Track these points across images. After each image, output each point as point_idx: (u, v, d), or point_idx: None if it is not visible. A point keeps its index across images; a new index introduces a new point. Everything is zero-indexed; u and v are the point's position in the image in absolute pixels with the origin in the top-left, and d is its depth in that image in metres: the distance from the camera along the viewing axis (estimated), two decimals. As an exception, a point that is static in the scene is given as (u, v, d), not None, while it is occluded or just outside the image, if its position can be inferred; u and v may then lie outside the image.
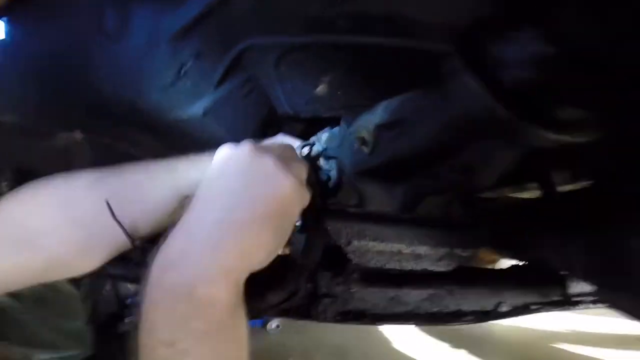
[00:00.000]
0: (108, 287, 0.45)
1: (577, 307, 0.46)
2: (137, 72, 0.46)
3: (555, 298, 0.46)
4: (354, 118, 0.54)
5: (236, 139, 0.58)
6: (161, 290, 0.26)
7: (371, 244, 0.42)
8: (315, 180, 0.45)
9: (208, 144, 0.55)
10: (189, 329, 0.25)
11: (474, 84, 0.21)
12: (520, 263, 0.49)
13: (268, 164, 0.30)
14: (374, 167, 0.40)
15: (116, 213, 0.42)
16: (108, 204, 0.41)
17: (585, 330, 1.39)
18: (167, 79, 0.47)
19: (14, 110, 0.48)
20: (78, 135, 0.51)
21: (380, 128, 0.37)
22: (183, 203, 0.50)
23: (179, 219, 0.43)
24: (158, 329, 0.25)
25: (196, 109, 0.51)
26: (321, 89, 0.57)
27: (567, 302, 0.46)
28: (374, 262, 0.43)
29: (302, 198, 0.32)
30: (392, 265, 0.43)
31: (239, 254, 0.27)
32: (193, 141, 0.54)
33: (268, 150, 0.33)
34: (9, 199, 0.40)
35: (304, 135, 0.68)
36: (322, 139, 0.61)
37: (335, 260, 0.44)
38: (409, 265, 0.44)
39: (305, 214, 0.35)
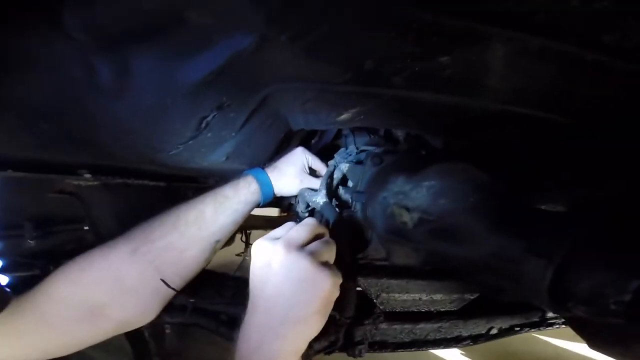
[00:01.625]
0: (168, 330, 0.51)
1: (550, 328, 0.57)
2: (150, 131, 0.40)
3: (535, 320, 0.57)
4: (380, 159, 0.53)
5: (256, 165, 0.56)
6: None
7: (397, 295, 0.48)
8: (345, 239, 0.47)
9: (229, 177, 0.53)
10: None
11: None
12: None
13: (306, 269, 0.35)
14: (407, 244, 0.42)
15: (160, 276, 0.44)
16: (164, 281, 0.43)
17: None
18: (185, 134, 0.42)
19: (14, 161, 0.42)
20: (87, 177, 0.47)
21: (425, 222, 0.38)
22: (215, 248, 0.51)
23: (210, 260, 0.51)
24: None
25: (217, 156, 0.48)
26: (344, 117, 0.55)
27: (543, 324, 0.57)
28: (398, 308, 0.49)
29: (338, 284, 0.37)
30: (412, 308, 0.50)
31: (301, 339, 0.35)
32: (214, 176, 0.52)
33: (301, 250, 0.36)
34: (57, 281, 0.41)
35: (308, 135, 0.67)
36: (342, 167, 0.60)
37: (365, 306, 0.50)
38: (426, 308, 0.51)
39: (342, 273, 0.39)
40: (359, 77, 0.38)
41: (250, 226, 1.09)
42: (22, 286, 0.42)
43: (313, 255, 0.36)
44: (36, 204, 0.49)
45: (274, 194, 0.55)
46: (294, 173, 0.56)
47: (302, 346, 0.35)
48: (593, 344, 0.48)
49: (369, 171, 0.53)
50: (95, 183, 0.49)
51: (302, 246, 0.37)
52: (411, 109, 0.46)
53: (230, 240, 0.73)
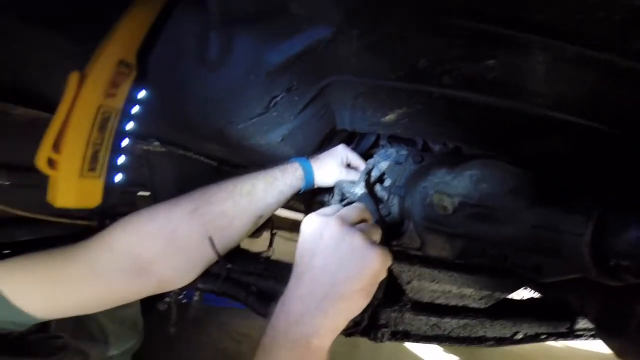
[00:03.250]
0: (196, 297, 0.54)
1: (577, 339, 0.57)
2: (229, 103, 0.47)
3: (562, 330, 0.57)
4: (422, 158, 0.58)
5: (301, 155, 0.61)
6: (287, 339, 0.35)
7: (427, 284, 0.50)
8: (383, 226, 0.50)
9: (278, 160, 0.59)
10: None
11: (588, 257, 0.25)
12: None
13: (358, 243, 0.36)
14: (446, 231, 0.45)
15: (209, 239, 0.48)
16: (211, 240, 0.46)
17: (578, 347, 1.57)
18: (256, 110, 0.48)
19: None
20: (157, 145, 0.53)
21: (466, 205, 0.41)
22: (257, 223, 0.55)
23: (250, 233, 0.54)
24: None
25: (275, 136, 0.53)
26: (389, 118, 0.59)
27: (570, 334, 0.57)
28: (427, 298, 0.51)
29: (387, 264, 0.37)
30: (440, 300, 0.52)
31: (342, 317, 0.36)
32: (266, 159, 0.57)
33: (352, 227, 0.37)
34: (119, 230, 0.44)
35: (348, 139, 0.72)
36: (380, 165, 0.64)
37: (393, 292, 0.52)
38: (454, 302, 0.52)
39: None
40: (411, 74, 0.44)
41: (278, 227, 1.12)
42: (77, 237, 0.46)
43: (364, 232, 0.37)
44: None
45: (314, 182, 0.60)
46: (334, 165, 0.61)
47: (342, 325, 0.35)
48: (624, 354, 0.48)
49: (409, 168, 0.57)
50: (163, 150, 0.55)
51: (353, 225, 0.38)
52: (456, 111, 0.51)
53: (258, 233, 0.77)
